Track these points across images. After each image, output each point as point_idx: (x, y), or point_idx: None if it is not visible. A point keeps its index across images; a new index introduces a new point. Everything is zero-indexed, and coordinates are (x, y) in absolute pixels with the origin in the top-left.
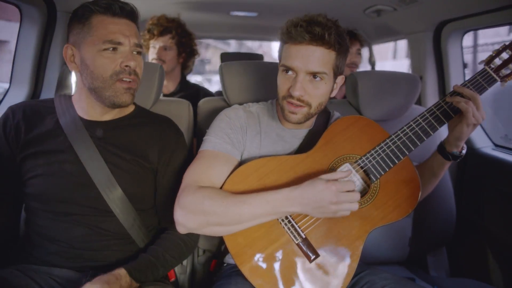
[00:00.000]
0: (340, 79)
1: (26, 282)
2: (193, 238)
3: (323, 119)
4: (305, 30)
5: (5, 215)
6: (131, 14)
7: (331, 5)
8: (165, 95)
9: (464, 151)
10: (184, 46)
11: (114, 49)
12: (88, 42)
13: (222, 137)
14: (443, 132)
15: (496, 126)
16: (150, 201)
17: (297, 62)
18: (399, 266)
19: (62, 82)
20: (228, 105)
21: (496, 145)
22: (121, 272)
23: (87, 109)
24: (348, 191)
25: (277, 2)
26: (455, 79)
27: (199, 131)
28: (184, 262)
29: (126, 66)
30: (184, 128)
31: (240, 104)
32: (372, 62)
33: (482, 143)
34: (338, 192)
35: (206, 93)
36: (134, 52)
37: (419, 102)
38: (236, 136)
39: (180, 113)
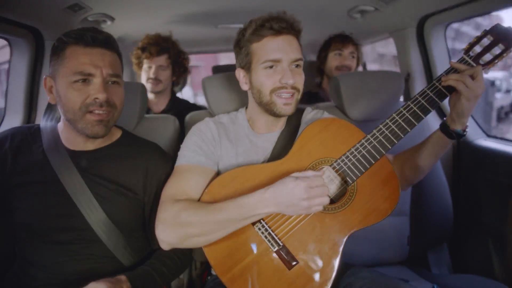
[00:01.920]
0: None
1: None
2: (187, 252)
3: (295, 117)
4: (284, 20)
5: None
6: (105, 42)
7: (316, 9)
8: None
9: (467, 130)
10: (179, 66)
11: (85, 80)
12: (61, 74)
13: (194, 150)
14: (430, 123)
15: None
16: (138, 226)
17: (282, 53)
18: (401, 266)
19: (50, 108)
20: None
21: (488, 136)
22: (122, 277)
23: (71, 139)
24: (318, 186)
25: (265, 11)
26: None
27: None
28: (181, 275)
29: (96, 98)
30: (171, 145)
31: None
32: (362, 64)
33: (475, 134)
34: (307, 187)
35: (197, 109)
36: (109, 83)
37: (409, 99)
38: (209, 148)
39: (166, 129)
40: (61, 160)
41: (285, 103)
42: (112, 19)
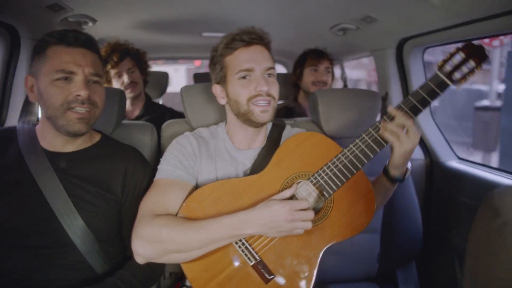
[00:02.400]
0: None
1: None
2: (159, 264)
3: (276, 134)
4: (254, 32)
5: None
6: (87, 43)
7: (300, 24)
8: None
9: (408, 173)
10: (142, 63)
11: (67, 78)
12: (43, 72)
13: (174, 164)
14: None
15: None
16: (114, 232)
17: (254, 62)
18: (370, 282)
19: (27, 109)
20: (191, 127)
21: (459, 158)
22: None
23: (50, 140)
24: (302, 209)
25: (247, 23)
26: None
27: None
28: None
29: (78, 95)
30: (148, 153)
31: (206, 126)
32: (343, 79)
33: (447, 156)
34: (292, 210)
35: (174, 114)
36: (90, 82)
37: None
38: (189, 162)
39: (143, 137)
40: (38, 161)
41: (262, 111)
42: (93, 20)
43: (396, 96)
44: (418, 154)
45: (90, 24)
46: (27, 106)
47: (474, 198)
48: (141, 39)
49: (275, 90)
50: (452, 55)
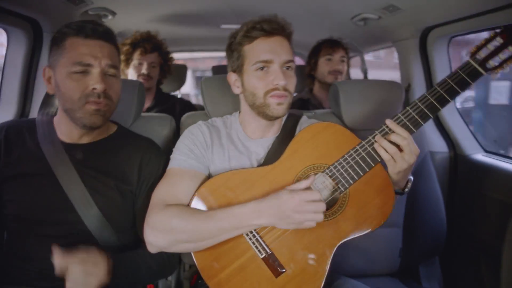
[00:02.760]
0: None
1: None
2: (174, 255)
3: (291, 124)
4: (276, 22)
5: None
6: (105, 35)
7: (320, 14)
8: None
9: (409, 186)
10: (165, 65)
11: (84, 71)
12: (61, 64)
13: (186, 153)
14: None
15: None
16: (129, 223)
17: (274, 54)
18: (391, 277)
19: (47, 101)
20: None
21: (486, 151)
22: (107, 253)
23: (67, 131)
24: (314, 201)
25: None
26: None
27: None
28: (170, 277)
29: (94, 88)
30: (167, 144)
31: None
32: (363, 70)
33: (472, 149)
34: (302, 201)
35: (184, 104)
36: (107, 75)
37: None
38: (200, 151)
39: (162, 129)
40: (56, 153)
41: (278, 103)
42: (113, 13)
43: (419, 87)
44: (442, 147)
45: (110, 17)
46: (47, 98)
47: (502, 193)
48: (160, 32)
49: (292, 85)
50: (488, 40)
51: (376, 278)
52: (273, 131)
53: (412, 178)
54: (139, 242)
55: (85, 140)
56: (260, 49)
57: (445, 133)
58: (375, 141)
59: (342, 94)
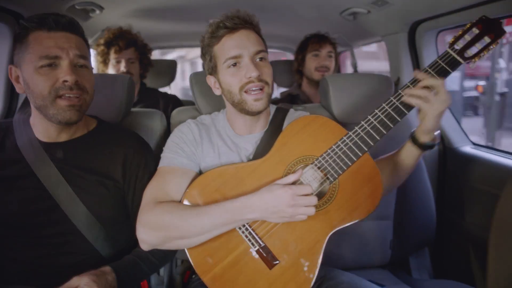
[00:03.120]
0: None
1: None
2: None
3: (279, 118)
4: (237, 17)
5: None
6: (69, 26)
7: (309, 8)
8: None
9: (438, 140)
10: (145, 58)
11: (52, 64)
12: (26, 61)
13: (176, 151)
14: (411, 120)
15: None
16: (120, 218)
17: (241, 48)
18: (382, 269)
19: (26, 102)
20: (201, 114)
21: (474, 144)
22: (106, 269)
23: (43, 130)
24: (306, 195)
25: (256, 7)
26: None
27: None
28: (162, 273)
29: (65, 81)
30: (157, 140)
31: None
32: (353, 65)
33: (461, 141)
34: (294, 195)
35: (169, 98)
36: (77, 66)
37: None
38: (190, 149)
39: (152, 124)
40: (35, 154)
41: (255, 99)
42: (101, 8)
43: (408, 80)
44: None
45: (98, 12)
46: (27, 100)
47: (490, 184)
48: (148, 27)
49: (267, 74)
50: (465, 31)
51: (367, 270)
52: (260, 126)
53: (439, 134)
54: (130, 237)
55: (63, 137)
56: (227, 46)
57: None
58: (403, 95)
59: (332, 87)
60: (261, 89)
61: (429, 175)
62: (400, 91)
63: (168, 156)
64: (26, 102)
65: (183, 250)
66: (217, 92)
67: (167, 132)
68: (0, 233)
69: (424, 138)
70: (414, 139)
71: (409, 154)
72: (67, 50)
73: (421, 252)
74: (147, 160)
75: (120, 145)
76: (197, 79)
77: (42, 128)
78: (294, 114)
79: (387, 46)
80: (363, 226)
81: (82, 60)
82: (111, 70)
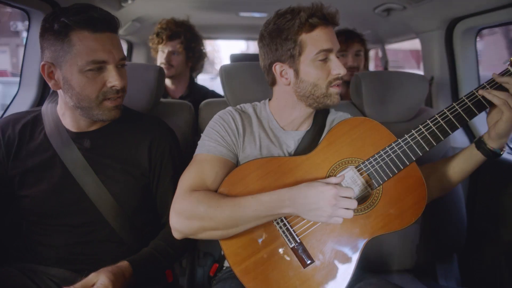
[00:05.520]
0: None
1: (23, 281)
2: None
3: (321, 118)
4: (329, 13)
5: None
6: (113, 26)
7: (340, 4)
8: None
9: (506, 149)
10: (193, 51)
11: (99, 68)
12: (69, 61)
13: (216, 140)
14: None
15: None
16: (144, 207)
17: (333, 43)
18: (408, 274)
19: (55, 92)
20: (230, 106)
21: (511, 148)
22: (124, 264)
23: (73, 122)
24: (348, 197)
25: (286, 3)
26: (468, 80)
27: (201, 134)
28: (184, 264)
29: (113, 86)
30: (186, 131)
31: None
32: (384, 63)
33: None
34: (337, 195)
35: (215, 96)
36: (118, 66)
37: (430, 103)
38: (231, 139)
39: (181, 115)
40: (63, 144)
41: (337, 92)
42: None
43: (442, 81)
44: (464, 142)
45: (130, 1)
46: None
47: None
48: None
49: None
50: None
51: (393, 274)
52: (306, 125)
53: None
54: (157, 224)
55: (93, 128)
56: (322, 38)
57: (467, 128)
58: (478, 94)
59: (364, 85)
60: (340, 86)
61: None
62: (474, 90)
63: (207, 144)
64: (55, 93)
65: (205, 242)
66: (284, 82)
67: (195, 124)
68: (33, 220)
69: (493, 144)
70: (479, 144)
71: (471, 160)
72: (113, 54)
73: (449, 259)
74: (171, 147)
75: (145, 132)
76: (227, 71)
77: (71, 120)
78: (336, 115)
79: (421, 44)
80: None
81: (123, 61)
82: (158, 58)
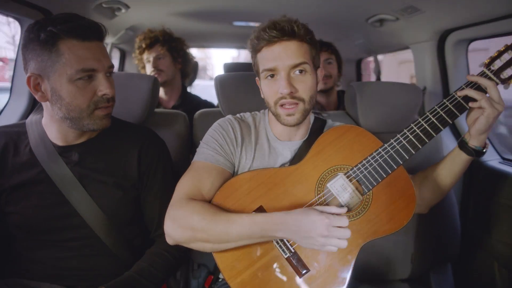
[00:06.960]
0: (320, 72)
1: None
2: (182, 249)
3: (318, 127)
4: (275, 28)
5: None
6: (100, 33)
7: (333, 14)
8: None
9: (488, 146)
10: (177, 51)
11: (89, 77)
12: (58, 71)
13: (214, 148)
14: (443, 138)
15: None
16: (134, 217)
17: (277, 61)
18: (402, 283)
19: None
20: (224, 116)
21: (503, 158)
22: None
23: (60, 135)
24: (341, 227)
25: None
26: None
27: (195, 144)
28: (178, 276)
29: (104, 94)
30: (180, 141)
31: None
32: (377, 72)
33: (489, 156)
34: (330, 226)
35: (207, 106)
36: (107, 74)
37: (423, 113)
38: (229, 148)
39: (175, 125)
40: (50, 159)
41: (288, 114)
42: (127, 7)
43: (434, 91)
44: None
45: (123, 10)
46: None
47: None
48: (172, 27)
49: (304, 90)
50: (500, 53)
51: (387, 284)
52: (300, 135)
53: (489, 143)
54: (145, 239)
55: (81, 140)
56: (265, 57)
57: (459, 136)
58: (458, 96)
59: (359, 95)
60: (296, 104)
61: (454, 189)
62: (453, 93)
63: (206, 152)
64: (41, 106)
65: (199, 254)
66: (262, 95)
67: (190, 134)
68: (23, 236)
69: (474, 142)
70: (462, 144)
71: (457, 160)
72: (102, 62)
73: (444, 269)
74: (159, 154)
75: (134, 141)
76: (222, 81)
77: (58, 133)
78: (332, 125)
79: (414, 54)
80: (384, 237)
81: (111, 69)
82: (147, 70)
